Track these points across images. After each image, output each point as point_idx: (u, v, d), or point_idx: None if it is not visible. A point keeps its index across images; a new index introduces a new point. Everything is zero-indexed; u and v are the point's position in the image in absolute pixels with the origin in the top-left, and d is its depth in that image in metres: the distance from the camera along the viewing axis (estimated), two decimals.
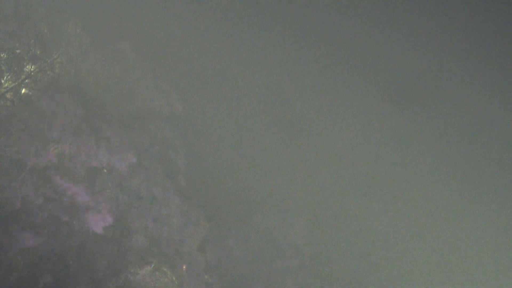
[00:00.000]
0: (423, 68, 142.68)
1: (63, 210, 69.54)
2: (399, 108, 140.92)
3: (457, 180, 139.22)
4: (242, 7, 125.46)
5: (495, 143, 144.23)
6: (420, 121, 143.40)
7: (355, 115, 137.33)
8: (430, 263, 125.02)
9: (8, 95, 75.86)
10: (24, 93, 77.53)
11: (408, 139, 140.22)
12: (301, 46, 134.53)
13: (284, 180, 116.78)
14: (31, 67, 79.36)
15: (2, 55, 78.06)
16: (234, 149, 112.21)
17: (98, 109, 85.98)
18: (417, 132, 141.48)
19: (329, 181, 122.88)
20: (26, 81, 78.44)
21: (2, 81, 76.19)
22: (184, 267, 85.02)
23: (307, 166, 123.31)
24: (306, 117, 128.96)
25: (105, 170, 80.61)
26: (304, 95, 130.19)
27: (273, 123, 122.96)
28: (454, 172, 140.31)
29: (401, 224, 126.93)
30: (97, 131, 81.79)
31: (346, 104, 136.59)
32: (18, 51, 79.48)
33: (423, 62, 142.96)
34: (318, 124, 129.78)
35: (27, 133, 72.83)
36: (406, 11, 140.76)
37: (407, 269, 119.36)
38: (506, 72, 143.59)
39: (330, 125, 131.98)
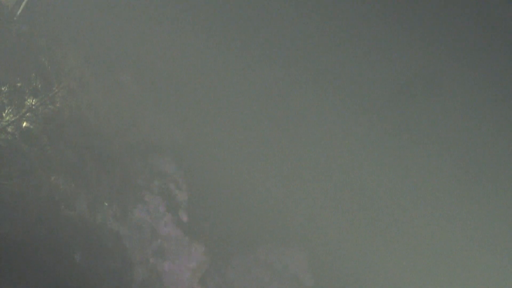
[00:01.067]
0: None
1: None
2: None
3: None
4: (244, 40, 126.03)
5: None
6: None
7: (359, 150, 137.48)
8: None
9: (9, 129, 75.34)
10: (25, 126, 76.97)
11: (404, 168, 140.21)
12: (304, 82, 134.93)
13: (285, 212, 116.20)
14: (32, 101, 78.85)
15: (3, 88, 77.52)
16: (235, 181, 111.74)
17: (99, 141, 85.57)
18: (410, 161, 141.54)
19: (330, 214, 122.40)
20: (27, 114, 77.96)
21: (3, 115, 75.64)
22: None
23: (308, 198, 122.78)
24: (308, 154, 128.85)
25: (106, 204, 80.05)
26: (309, 130, 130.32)
27: (274, 156, 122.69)
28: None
29: (400, 254, 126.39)
30: (99, 164, 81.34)
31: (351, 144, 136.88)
32: (19, 84, 79.07)
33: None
34: (320, 159, 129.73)
35: (28, 167, 72.27)
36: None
37: None
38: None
39: (332, 160, 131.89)
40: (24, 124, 77.51)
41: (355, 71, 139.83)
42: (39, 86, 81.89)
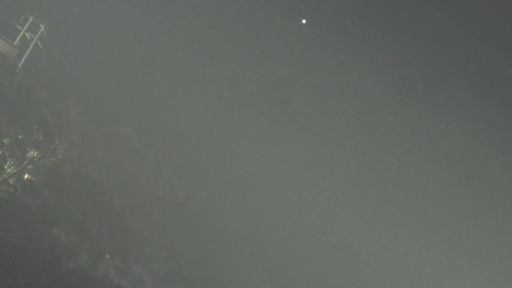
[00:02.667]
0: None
1: None
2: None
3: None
4: (241, 93, 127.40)
5: None
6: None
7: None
8: None
9: (11, 181, 74.52)
10: (26, 178, 76.23)
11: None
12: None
13: (285, 264, 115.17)
14: (34, 153, 78.52)
15: (5, 140, 77.23)
16: (237, 234, 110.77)
17: (101, 194, 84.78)
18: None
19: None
20: (29, 166, 77.45)
21: (5, 167, 75.03)
22: None
23: (307, 251, 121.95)
24: (305, 205, 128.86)
25: (107, 255, 78.69)
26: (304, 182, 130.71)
27: (272, 209, 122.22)
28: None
29: None
30: (100, 216, 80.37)
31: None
32: (21, 136, 78.72)
33: None
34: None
35: (29, 219, 71.17)
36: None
37: None
38: None
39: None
40: (26, 176, 76.97)
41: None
42: (41, 138, 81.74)
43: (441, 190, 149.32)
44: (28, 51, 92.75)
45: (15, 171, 75.50)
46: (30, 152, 78.60)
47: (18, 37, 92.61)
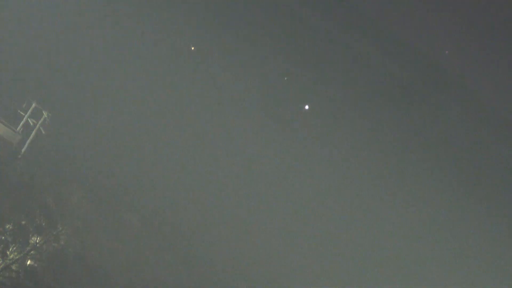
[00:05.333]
0: None
1: None
2: None
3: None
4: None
5: None
6: None
7: None
8: None
9: (13, 267, 73.27)
10: (29, 264, 74.81)
11: None
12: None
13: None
14: (37, 239, 77.51)
15: (7, 226, 76.51)
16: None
17: (104, 280, 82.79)
18: None
19: None
20: (32, 252, 76.28)
21: (8, 252, 74.01)
22: None
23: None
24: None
25: None
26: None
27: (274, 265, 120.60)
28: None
29: None
30: None
31: None
32: (23, 222, 77.75)
33: None
34: None
35: None
36: None
37: None
38: None
39: None
40: (29, 262, 75.57)
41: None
42: (43, 224, 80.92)
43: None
44: (31, 137, 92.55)
45: (17, 257, 74.39)
46: (32, 238, 77.56)
47: (21, 124, 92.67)
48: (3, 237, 74.42)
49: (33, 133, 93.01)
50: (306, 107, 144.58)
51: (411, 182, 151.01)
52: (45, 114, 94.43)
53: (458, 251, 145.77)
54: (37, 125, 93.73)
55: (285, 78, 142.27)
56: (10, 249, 74.76)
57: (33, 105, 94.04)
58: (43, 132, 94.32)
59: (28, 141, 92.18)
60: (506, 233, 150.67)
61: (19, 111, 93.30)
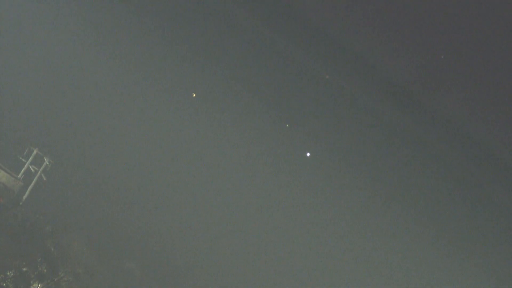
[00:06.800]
0: None
1: None
2: None
3: None
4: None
5: None
6: None
7: None
8: None
9: None
10: None
11: None
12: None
13: None
14: (38, 286, 77.05)
15: (9, 273, 75.94)
16: None
17: None
18: None
19: None
20: None
21: None
22: None
23: None
24: None
25: None
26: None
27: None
28: None
29: None
30: None
31: None
32: (25, 269, 76.74)
33: None
34: None
35: None
36: None
37: None
38: None
39: None
40: None
41: None
42: (45, 271, 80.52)
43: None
44: (33, 184, 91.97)
45: None
46: (34, 285, 76.86)
47: (22, 170, 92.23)
48: (4, 284, 74.08)
49: (35, 180, 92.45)
50: (308, 154, 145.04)
51: (410, 227, 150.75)
52: (46, 160, 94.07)
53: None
54: (39, 172, 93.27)
55: (287, 125, 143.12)
56: None
57: (35, 152, 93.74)
58: (45, 179, 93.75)
59: (29, 188, 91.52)
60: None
61: (20, 157, 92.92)
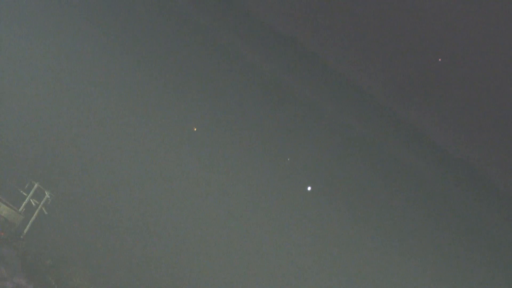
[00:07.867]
0: None
1: None
2: None
3: None
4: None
5: None
6: None
7: None
8: None
9: None
10: None
11: None
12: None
13: None
14: None
15: None
16: None
17: None
18: None
19: None
20: None
21: None
22: None
23: None
24: None
25: None
26: None
27: None
28: None
29: None
30: None
31: None
32: None
33: None
34: None
35: None
36: None
37: None
38: None
39: None
40: None
41: None
42: None
43: None
44: (33, 217, 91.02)
45: None
46: None
47: (23, 204, 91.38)
48: None
49: (35, 213, 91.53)
50: (309, 188, 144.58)
51: (410, 262, 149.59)
52: (47, 194, 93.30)
53: None
54: (39, 206, 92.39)
55: (288, 159, 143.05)
56: None
57: (36, 185, 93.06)
58: (45, 213, 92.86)
59: (30, 222, 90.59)
60: None
61: (21, 191, 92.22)
